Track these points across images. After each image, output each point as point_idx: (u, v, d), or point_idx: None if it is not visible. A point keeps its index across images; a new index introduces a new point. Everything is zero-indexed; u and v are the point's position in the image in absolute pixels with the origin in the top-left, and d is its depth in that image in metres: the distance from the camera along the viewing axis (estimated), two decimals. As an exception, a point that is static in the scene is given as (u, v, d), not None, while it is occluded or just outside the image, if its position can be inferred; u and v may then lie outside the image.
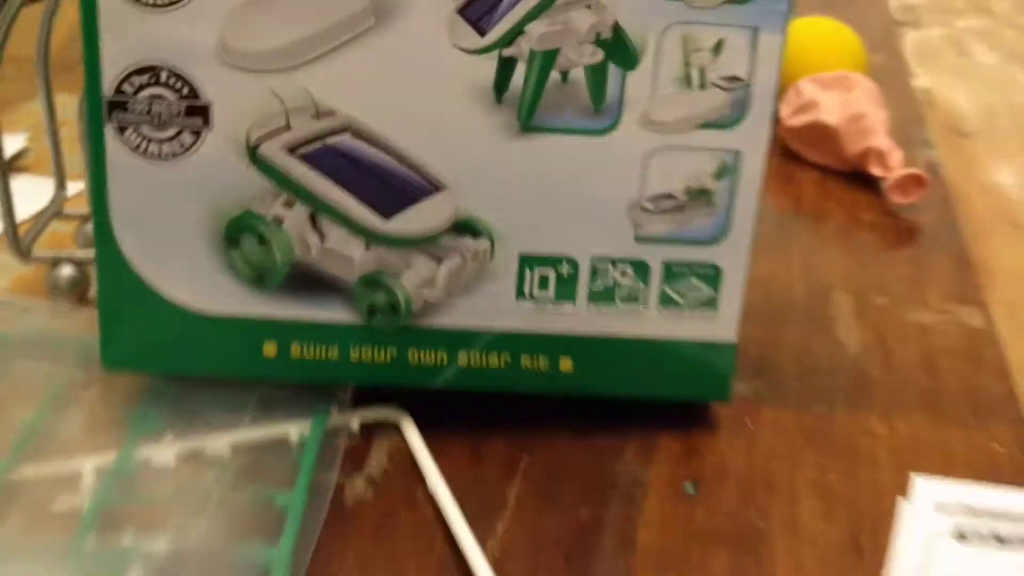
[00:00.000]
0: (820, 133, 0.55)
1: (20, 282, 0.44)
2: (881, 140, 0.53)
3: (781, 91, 0.55)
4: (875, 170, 0.53)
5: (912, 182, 0.52)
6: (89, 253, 0.41)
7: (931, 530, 0.32)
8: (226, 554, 0.30)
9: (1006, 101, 0.69)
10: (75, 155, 0.44)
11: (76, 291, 0.41)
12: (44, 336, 0.38)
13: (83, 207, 0.39)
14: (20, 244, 0.41)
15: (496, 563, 0.31)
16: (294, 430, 0.35)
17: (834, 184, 0.56)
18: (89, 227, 0.44)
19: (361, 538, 0.32)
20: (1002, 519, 0.32)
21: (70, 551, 0.30)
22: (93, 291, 0.42)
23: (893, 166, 0.52)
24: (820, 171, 0.57)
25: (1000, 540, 0.31)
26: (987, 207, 0.55)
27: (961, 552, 0.31)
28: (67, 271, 0.41)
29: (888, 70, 0.72)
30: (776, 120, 0.47)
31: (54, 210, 0.44)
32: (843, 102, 0.55)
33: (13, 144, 0.56)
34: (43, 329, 0.38)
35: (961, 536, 0.32)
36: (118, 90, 0.32)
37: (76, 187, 0.47)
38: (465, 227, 0.34)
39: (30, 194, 0.47)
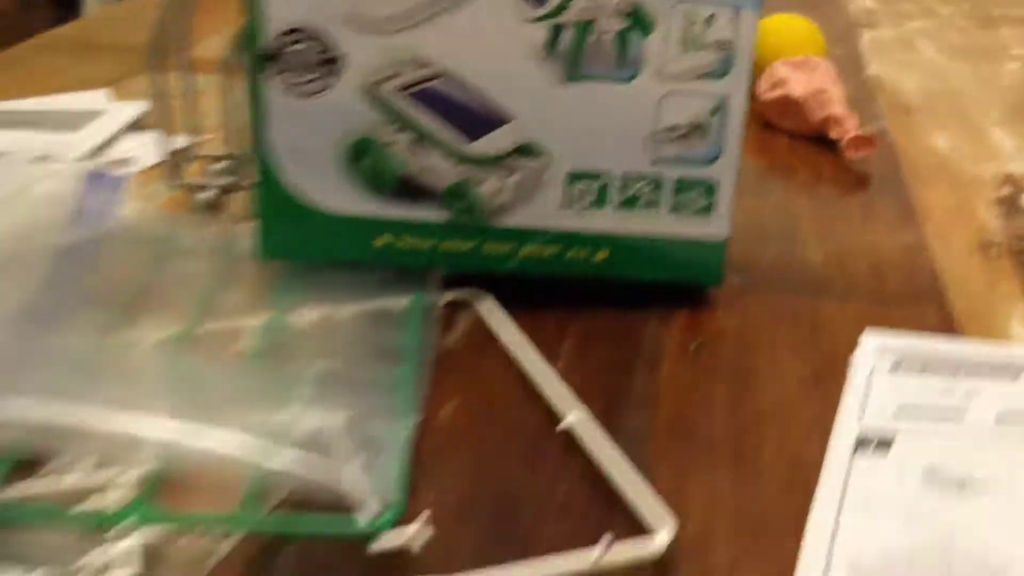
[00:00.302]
0: (789, 105, 0.68)
1: (169, 204, 0.56)
2: (838, 109, 0.66)
3: (758, 73, 0.68)
4: (833, 134, 0.66)
5: (863, 142, 0.64)
6: (223, 180, 0.53)
7: (873, 365, 0.43)
8: (363, 374, 0.40)
9: (944, 86, 0.82)
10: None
11: (213, 209, 0.53)
12: (199, 239, 0.49)
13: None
14: (176, 173, 0.52)
15: (565, 371, 0.42)
16: (399, 303, 0.46)
17: (800, 146, 0.68)
18: (218, 165, 0.55)
19: (458, 373, 0.43)
20: (927, 355, 0.44)
21: (245, 371, 0.41)
22: (226, 209, 0.53)
23: (848, 129, 0.64)
24: (789, 137, 0.69)
25: (923, 369, 0.43)
26: (925, 164, 0.67)
27: (894, 378, 0.43)
28: (207, 194, 0.52)
29: (846, 60, 0.85)
30: (752, 92, 0.59)
31: (190, 152, 0.56)
32: (808, 79, 0.68)
33: (138, 108, 0.69)
34: (197, 234, 0.49)
35: (895, 367, 0.43)
36: (273, 46, 0.43)
37: (185, 140, 0.59)
38: (526, 150, 0.45)
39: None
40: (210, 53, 0.55)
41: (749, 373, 0.45)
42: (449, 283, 0.48)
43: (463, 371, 0.44)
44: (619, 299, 0.49)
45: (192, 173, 0.56)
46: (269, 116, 0.44)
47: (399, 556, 0.33)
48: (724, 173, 0.47)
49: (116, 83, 0.79)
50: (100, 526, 0.34)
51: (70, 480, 0.36)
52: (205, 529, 0.35)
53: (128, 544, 0.34)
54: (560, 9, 0.44)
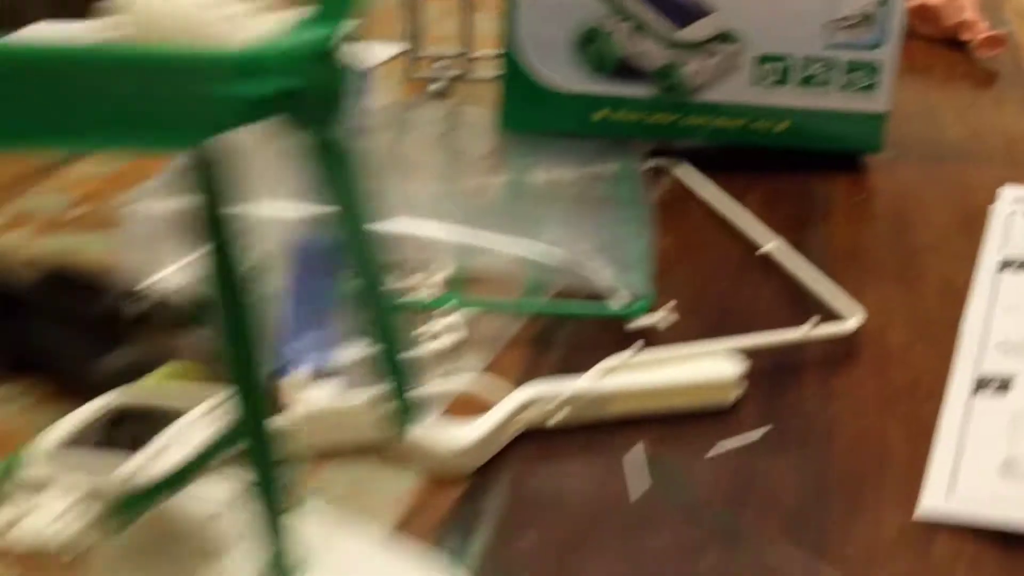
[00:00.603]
0: (927, 11, 0.76)
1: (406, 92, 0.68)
2: (970, 14, 0.74)
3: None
4: (965, 36, 0.74)
5: (993, 42, 0.72)
6: (452, 73, 0.64)
7: (1012, 210, 0.52)
8: (597, 216, 0.51)
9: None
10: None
11: (442, 96, 0.64)
12: (437, 118, 0.60)
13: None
14: (412, 71, 0.64)
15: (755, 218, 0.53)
16: (611, 168, 0.57)
17: (936, 49, 0.77)
18: (439, 63, 0.66)
19: (667, 219, 0.53)
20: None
21: (497, 208, 0.52)
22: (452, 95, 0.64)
23: (979, 31, 0.72)
24: (926, 41, 0.78)
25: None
26: (1049, 65, 0.75)
27: None
28: (438, 85, 0.63)
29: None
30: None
31: (415, 52, 0.66)
32: (943, -11, 0.76)
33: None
34: (435, 114, 0.61)
35: None
36: None
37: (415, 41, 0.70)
38: (724, 36, 0.55)
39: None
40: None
41: (904, 220, 0.54)
42: (652, 152, 0.59)
43: (671, 218, 0.54)
44: (794, 165, 0.59)
45: (422, 68, 0.67)
46: (519, 12, 0.55)
47: (647, 332, 0.44)
48: (887, 56, 0.56)
49: None
50: (426, 310, 0.46)
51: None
52: (501, 311, 0.46)
53: (451, 319, 0.45)
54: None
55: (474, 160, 0.58)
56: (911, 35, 0.78)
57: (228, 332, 0.24)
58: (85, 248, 0.52)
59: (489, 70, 0.64)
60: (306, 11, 0.20)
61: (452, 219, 0.50)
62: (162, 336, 0.41)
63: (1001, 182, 0.57)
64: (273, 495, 0.27)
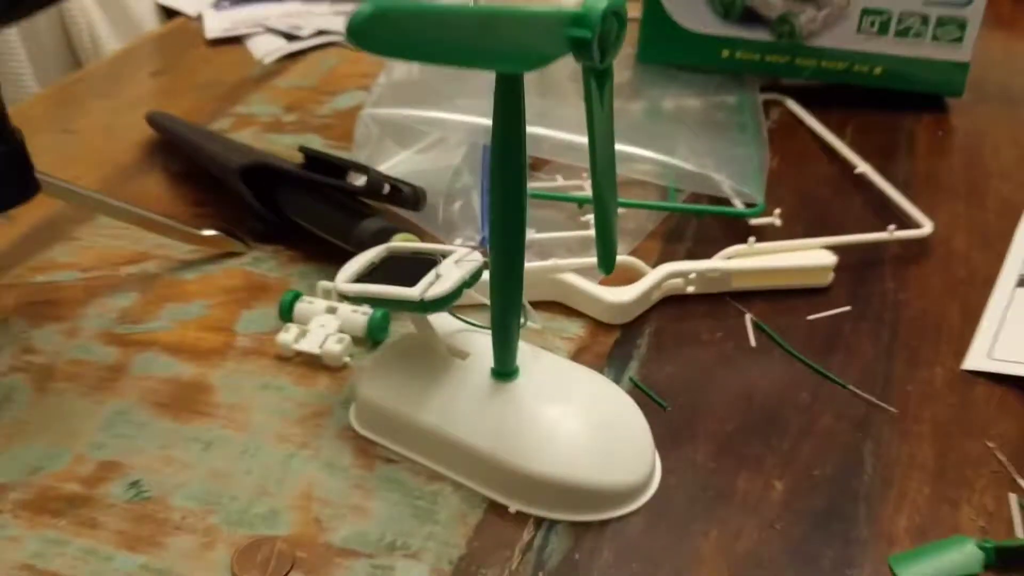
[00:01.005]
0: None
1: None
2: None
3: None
4: (1052, -6, 0.82)
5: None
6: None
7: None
8: (721, 133, 0.62)
9: None
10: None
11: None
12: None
13: None
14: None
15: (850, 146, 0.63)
16: (730, 99, 0.67)
17: (1021, 6, 0.85)
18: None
19: (779, 142, 0.64)
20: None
21: (637, 127, 0.63)
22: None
23: (1065, -10, 0.81)
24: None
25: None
26: None
27: None
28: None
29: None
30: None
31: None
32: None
33: None
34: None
35: None
36: None
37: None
38: (835, -9, 0.65)
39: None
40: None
41: (976, 153, 0.65)
42: (764, 88, 0.70)
43: (781, 141, 0.65)
44: (885, 103, 0.69)
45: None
46: (662, -38, 0.66)
47: (763, 230, 0.55)
48: (973, 14, 0.65)
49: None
50: (580, 206, 0.58)
51: (560, 183, 0.59)
52: (643, 208, 0.58)
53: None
54: None
55: (617, 86, 0.69)
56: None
57: (497, 198, 0.37)
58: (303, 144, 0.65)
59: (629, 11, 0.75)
60: None
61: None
62: (394, 212, 0.54)
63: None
64: (509, 315, 0.40)
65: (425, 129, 0.59)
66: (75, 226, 0.57)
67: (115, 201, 0.53)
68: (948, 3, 0.65)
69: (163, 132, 0.65)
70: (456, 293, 0.41)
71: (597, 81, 0.33)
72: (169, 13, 0.89)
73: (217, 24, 0.81)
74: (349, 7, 0.84)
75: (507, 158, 0.36)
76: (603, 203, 0.37)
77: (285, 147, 0.65)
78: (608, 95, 0.34)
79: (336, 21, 0.81)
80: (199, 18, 0.84)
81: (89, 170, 0.63)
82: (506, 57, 0.31)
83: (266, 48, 0.78)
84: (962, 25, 0.66)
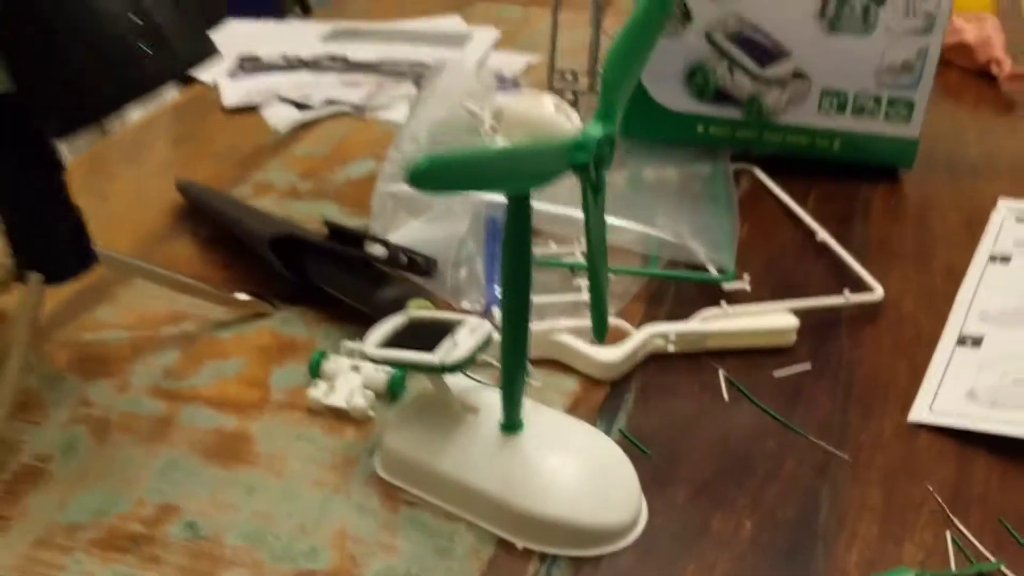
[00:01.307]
0: (963, 48, 0.93)
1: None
2: (999, 52, 0.90)
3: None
4: (994, 70, 0.91)
5: (1017, 77, 0.88)
6: (581, 86, 0.82)
7: (1003, 216, 0.70)
8: (695, 205, 0.69)
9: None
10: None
11: (572, 104, 0.82)
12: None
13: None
14: (549, 81, 0.82)
15: (812, 215, 0.71)
16: (705, 169, 0.75)
17: (968, 78, 0.94)
18: (570, 76, 0.84)
19: (747, 210, 0.72)
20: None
21: (620, 196, 0.70)
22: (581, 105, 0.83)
23: (1006, 67, 0.89)
24: (960, 71, 0.94)
25: (1037, 224, 0.69)
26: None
27: (1017, 225, 0.69)
28: (569, 95, 0.82)
29: (1010, 11, 1.07)
30: (939, 37, 0.84)
31: (552, 66, 0.85)
32: (978, 29, 0.92)
33: (493, 32, 0.98)
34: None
35: (1019, 219, 0.69)
36: None
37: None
38: (797, 74, 0.73)
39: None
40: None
41: (924, 220, 0.72)
42: (734, 158, 0.77)
43: (749, 209, 0.73)
44: (844, 174, 0.77)
45: (557, 80, 0.85)
46: (643, 48, 0.73)
47: (734, 293, 0.62)
48: (921, 95, 0.73)
49: (461, 10, 1.09)
50: (574, 269, 0.64)
51: (553, 249, 0.66)
52: (627, 274, 0.64)
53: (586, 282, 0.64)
54: (826, -12, 0.71)
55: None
56: (950, 66, 0.95)
57: (508, 287, 0.43)
58: (319, 211, 0.72)
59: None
60: (592, 112, 0.38)
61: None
62: (407, 279, 0.61)
63: (1003, 193, 0.74)
64: (516, 377, 0.46)
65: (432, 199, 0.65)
66: (116, 288, 0.63)
67: (160, 269, 0.60)
68: (898, 86, 0.73)
69: (191, 199, 0.71)
70: (471, 358, 0.47)
71: (592, 191, 0.40)
72: (184, 79, 0.96)
73: (233, 93, 0.88)
74: (352, 77, 0.91)
75: (517, 263, 0.43)
76: (597, 283, 0.44)
77: (303, 213, 0.72)
78: (601, 200, 0.41)
79: (343, 91, 0.88)
80: (215, 86, 0.91)
81: (123, 235, 0.69)
82: (523, 180, 0.38)
83: (280, 117, 0.85)
84: (910, 105, 0.74)
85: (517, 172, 0.38)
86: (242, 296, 0.61)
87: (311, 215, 0.71)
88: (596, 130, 0.38)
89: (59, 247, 0.52)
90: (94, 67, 0.43)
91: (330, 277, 0.60)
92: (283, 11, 3.00)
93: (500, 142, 0.40)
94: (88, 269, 0.54)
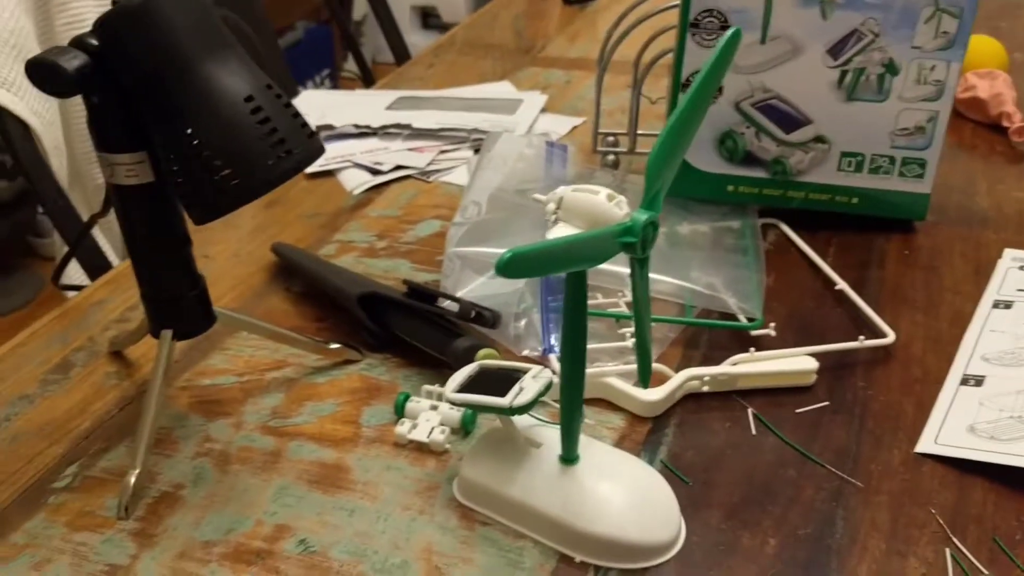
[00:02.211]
0: (976, 102, 1.00)
1: (585, 162, 0.95)
2: (1010, 108, 0.98)
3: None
4: (1006, 123, 0.98)
5: (1025, 130, 0.95)
6: (621, 148, 0.91)
7: (1008, 266, 0.77)
8: (726, 257, 0.77)
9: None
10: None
11: (614, 166, 0.91)
12: (607, 180, 0.87)
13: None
14: (599, 144, 0.91)
15: (832, 265, 0.78)
16: (735, 224, 0.83)
17: (981, 132, 1.02)
18: (611, 139, 0.93)
19: (772, 261, 0.80)
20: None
21: (657, 251, 0.78)
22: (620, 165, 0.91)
23: (1016, 121, 0.96)
24: (974, 124, 1.02)
25: (1039, 271, 0.77)
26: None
27: (1020, 273, 0.76)
28: (611, 157, 0.91)
29: (1020, 68, 1.14)
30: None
31: (596, 129, 0.94)
32: (990, 85, 1.00)
33: (541, 97, 1.09)
34: (607, 179, 0.88)
35: (1022, 268, 0.77)
36: (695, 19, 0.80)
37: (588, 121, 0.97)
38: (819, 139, 0.82)
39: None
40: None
41: (935, 269, 0.80)
42: (762, 214, 0.85)
43: (775, 261, 0.81)
44: (862, 226, 0.85)
45: (600, 142, 0.94)
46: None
47: (761, 339, 0.70)
48: (932, 155, 0.81)
49: (509, 75, 1.19)
50: (619, 319, 0.73)
51: (600, 301, 0.75)
52: (665, 323, 0.73)
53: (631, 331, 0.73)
54: (847, 62, 0.79)
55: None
56: (963, 119, 1.03)
57: (567, 342, 0.52)
58: (395, 268, 0.81)
59: (649, 147, 0.91)
60: (637, 203, 0.47)
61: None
62: (476, 330, 0.70)
63: (1009, 244, 0.81)
64: (574, 417, 0.55)
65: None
66: (224, 338, 0.74)
67: (264, 323, 0.69)
68: (911, 147, 0.81)
69: (284, 259, 0.81)
70: (535, 401, 0.56)
71: (639, 265, 0.48)
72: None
73: (312, 158, 0.98)
74: (416, 143, 1.02)
75: (576, 324, 0.52)
76: (643, 338, 0.53)
77: (380, 270, 0.82)
78: (646, 271, 0.49)
79: (409, 156, 0.98)
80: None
81: (227, 291, 0.80)
82: (583, 262, 0.47)
83: (356, 181, 0.95)
84: (922, 164, 0.82)
85: (579, 257, 0.47)
86: (334, 345, 0.70)
87: (387, 271, 0.81)
88: (642, 216, 0.47)
89: (189, 310, 0.62)
90: (230, 170, 0.53)
91: (410, 329, 0.70)
92: (336, 67, 3.15)
93: (561, 227, 0.49)
94: (209, 327, 0.64)
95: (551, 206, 0.49)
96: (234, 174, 0.53)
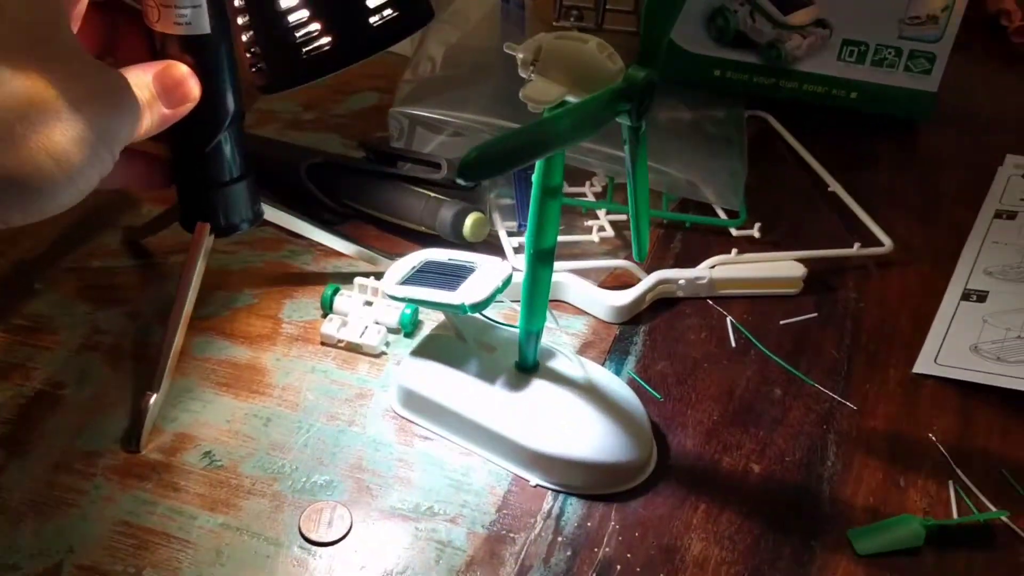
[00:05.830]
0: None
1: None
2: (1009, 4, 0.90)
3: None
4: (1004, 22, 0.90)
5: (1026, 31, 0.88)
6: (588, 23, 0.81)
7: (1010, 173, 0.70)
8: (710, 147, 0.69)
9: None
10: None
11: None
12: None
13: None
14: (555, 17, 0.80)
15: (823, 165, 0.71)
16: (722, 112, 0.74)
17: (978, 30, 0.93)
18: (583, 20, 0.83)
19: (758, 154, 0.71)
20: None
21: None
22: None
23: (1016, 20, 0.89)
24: (964, 19, 0.93)
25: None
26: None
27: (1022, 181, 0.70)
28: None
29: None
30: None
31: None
32: (995, -20, 0.91)
33: None
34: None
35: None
36: None
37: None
38: (819, 23, 0.73)
39: None
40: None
41: (934, 174, 0.73)
42: (749, 104, 0.77)
43: (760, 155, 0.72)
44: (854, 124, 0.77)
45: (564, 15, 0.84)
46: None
47: (743, 241, 0.63)
48: (942, 50, 0.73)
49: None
50: (585, 210, 0.64)
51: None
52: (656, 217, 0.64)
53: (604, 219, 0.64)
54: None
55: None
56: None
57: (535, 232, 0.43)
58: (324, 144, 0.71)
59: (619, 24, 0.81)
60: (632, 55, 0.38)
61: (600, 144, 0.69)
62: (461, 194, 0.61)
63: (1009, 150, 0.74)
64: (536, 319, 0.46)
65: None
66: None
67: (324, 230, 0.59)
68: (920, 39, 0.73)
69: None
70: (492, 298, 0.48)
71: (633, 133, 0.39)
72: None
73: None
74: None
75: (547, 211, 0.43)
76: (641, 212, 0.44)
77: (307, 143, 0.71)
78: (643, 143, 0.40)
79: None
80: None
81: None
82: (567, 140, 0.37)
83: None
84: (931, 59, 0.73)
85: (563, 136, 0.37)
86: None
87: (315, 146, 0.71)
88: (639, 72, 0.38)
89: (235, 200, 0.50)
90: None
91: (376, 201, 0.61)
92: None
93: (537, 80, 0.39)
94: (258, 223, 0.52)
95: (527, 55, 0.40)
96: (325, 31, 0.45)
